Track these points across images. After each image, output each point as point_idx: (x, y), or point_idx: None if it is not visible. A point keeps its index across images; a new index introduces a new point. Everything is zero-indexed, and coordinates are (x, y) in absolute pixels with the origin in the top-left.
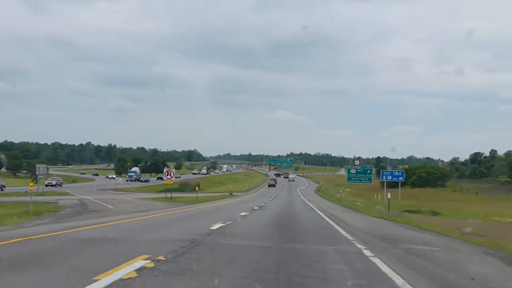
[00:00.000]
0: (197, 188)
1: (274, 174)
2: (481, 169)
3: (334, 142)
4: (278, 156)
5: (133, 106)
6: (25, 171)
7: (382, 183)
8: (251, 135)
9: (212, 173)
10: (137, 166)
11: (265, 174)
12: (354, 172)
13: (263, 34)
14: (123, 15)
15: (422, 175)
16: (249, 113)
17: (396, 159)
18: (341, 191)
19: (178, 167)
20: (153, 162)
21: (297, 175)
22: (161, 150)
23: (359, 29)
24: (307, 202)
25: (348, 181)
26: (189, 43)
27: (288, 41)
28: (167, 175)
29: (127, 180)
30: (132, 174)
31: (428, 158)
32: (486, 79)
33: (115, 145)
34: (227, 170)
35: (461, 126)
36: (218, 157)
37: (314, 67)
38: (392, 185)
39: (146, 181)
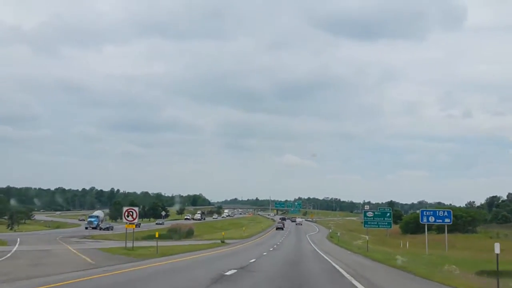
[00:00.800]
0: (193, 234)
1: (280, 218)
2: (504, 212)
3: (342, 186)
4: (286, 200)
5: (140, 151)
6: (6, 217)
7: (402, 227)
8: (258, 179)
9: (210, 218)
10: (100, 211)
11: (271, 219)
12: (371, 216)
13: (271, 77)
14: (132, 59)
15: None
16: (257, 157)
17: (406, 204)
18: (361, 238)
19: (180, 212)
20: (151, 206)
21: (306, 219)
22: (165, 195)
23: (367, 71)
24: (322, 255)
25: (364, 226)
26: (197, 86)
27: (295, 84)
28: (128, 217)
29: (86, 228)
30: (92, 219)
31: (439, 203)
32: (494, 122)
33: (118, 190)
34: (227, 215)
35: (470, 170)
36: (225, 202)
37: (321, 110)
38: (414, 230)
39: (107, 228)
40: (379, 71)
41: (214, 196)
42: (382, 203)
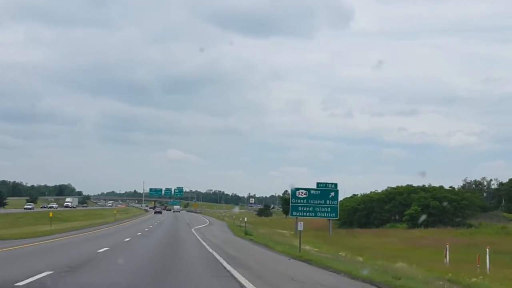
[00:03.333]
0: None
1: (154, 210)
2: None
3: (227, 181)
4: (166, 189)
5: (15, 142)
6: None
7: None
8: (139, 173)
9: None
10: None
11: (144, 209)
12: (303, 196)
13: (158, 70)
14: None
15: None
16: (139, 151)
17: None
18: (282, 234)
19: (32, 201)
20: None
21: (188, 211)
22: (26, 184)
23: (254, 68)
24: None
25: (291, 214)
26: (79, 76)
27: (183, 78)
28: None
29: None
30: None
31: None
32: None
33: None
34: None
35: (349, 168)
36: (101, 194)
37: (208, 106)
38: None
39: None
40: (266, 68)
41: (89, 189)
42: (266, 197)
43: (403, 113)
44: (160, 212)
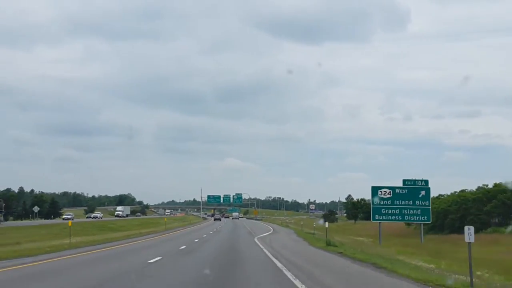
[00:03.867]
0: None
1: (214, 218)
2: None
3: (284, 188)
4: (224, 196)
5: (76, 154)
6: None
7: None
8: (197, 182)
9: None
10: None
11: (202, 217)
12: (387, 197)
13: (212, 79)
14: (67, 60)
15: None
16: (197, 160)
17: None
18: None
19: (90, 211)
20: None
21: (247, 218)
22: (87, 195)
23: (309, 75)
24: None
25: (373, 218)
26: (137, 89)
27: (237, 86)
28: None
29: None
30: None
31: None
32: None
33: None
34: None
35: (408, 172)
36: (162, 204)
37: (263, 114)
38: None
39: None
40: (321, 74)
41: (149, 198)
42: (326, 202)
43: (464, 115)
44: (219, 219)
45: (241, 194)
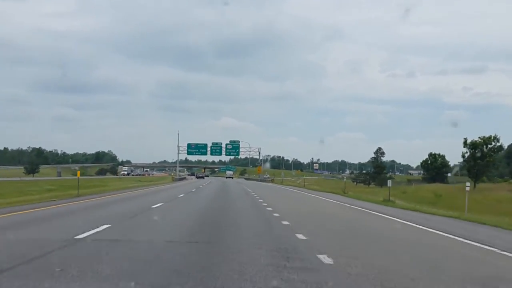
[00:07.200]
0: None
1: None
2: None
3: (282, 148)
4: (213, 144)
5: (70, 113)
6: None
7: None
8: (191, 142)
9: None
10: None
11: (172, 176)
12: None
13: (212, 33)
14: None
15: None
16: (193, 120)
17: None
18: None
19: None
20: None
21: (246, 178)
22: (69, 153)
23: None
24: None
25: None
26: (134, 43)
27: (238, 40)
28: None
29: None
30: None
31: (393, 161)
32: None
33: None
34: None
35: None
36: (154, 164)
37: (263, 70)
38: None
39: None
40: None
41: (139, 158)
42: (328, 162)
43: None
44: (203, 177)
45: (238, 141)
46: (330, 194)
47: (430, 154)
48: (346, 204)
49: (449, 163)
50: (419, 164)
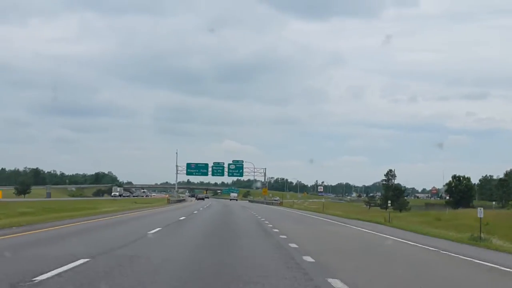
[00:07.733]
0: None
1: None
2: None
3: (285, 171)
4: (214, 164)
5: (71, 135)
6: None
7: None
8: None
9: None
10: None
11: (168, 198)
12: None
13: (213, 57)
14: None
15: None
16: (195, 142)
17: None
18: None
19: None
20: None
21: (250, 201)
22: (68, 174)
23: (314, 53)
24: None
25: None
26: (135, 67)
27: (238, 65)
28: None
29: None
30: None
31: (398, 184)
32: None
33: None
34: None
35: (409, 156)
36: (156, 185)
37: (264, 94)
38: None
39: None
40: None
41: (142, 180)
42: (332, 185)
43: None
44: (203, 199)
45: (242, 161)
46: (370, 223)
47: (454, 177)
48: (426, 247)
49: (475, 185)
50: (423, 187)
